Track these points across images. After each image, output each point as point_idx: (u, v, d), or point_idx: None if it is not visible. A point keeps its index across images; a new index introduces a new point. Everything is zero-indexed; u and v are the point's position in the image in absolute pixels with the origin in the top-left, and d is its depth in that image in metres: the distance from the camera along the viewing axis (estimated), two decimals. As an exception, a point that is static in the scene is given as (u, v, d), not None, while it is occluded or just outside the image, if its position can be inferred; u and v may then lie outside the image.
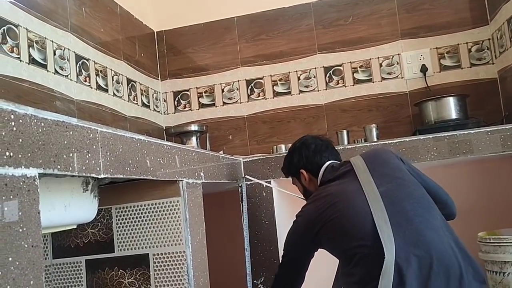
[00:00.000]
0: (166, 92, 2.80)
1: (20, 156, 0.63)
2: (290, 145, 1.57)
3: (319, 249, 1.32)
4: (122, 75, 2.34)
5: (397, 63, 2.52)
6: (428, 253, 1.07)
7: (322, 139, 1.50)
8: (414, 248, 1.07)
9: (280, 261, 1.37)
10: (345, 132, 2.33)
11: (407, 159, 1.38)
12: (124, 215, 1.26)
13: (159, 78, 2.79)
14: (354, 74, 2.57)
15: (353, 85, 2.57)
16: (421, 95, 2.42)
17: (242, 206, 1.90)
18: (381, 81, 2.54)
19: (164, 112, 2.79)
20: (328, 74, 2.60)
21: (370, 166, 1.26)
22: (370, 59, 2.56)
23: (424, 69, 2.46)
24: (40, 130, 0.68)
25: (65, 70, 1.87)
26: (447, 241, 1.11)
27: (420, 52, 2.49)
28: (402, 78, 2.51)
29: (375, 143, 1.86)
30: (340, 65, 2.59)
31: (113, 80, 2.25)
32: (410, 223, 1.12)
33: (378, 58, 2.54)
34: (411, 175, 1.27)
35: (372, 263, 1.08)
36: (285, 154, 1.54)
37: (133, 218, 1.25)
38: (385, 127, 2.44)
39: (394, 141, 1.81)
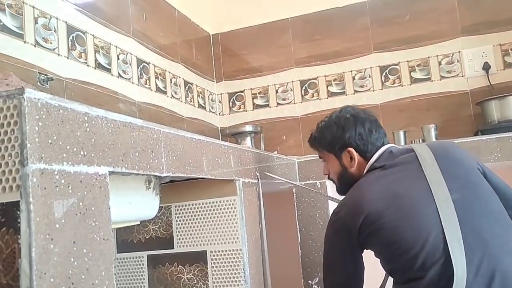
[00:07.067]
0: (221, 94, 2.86)
1: (92, 155, 0.68)
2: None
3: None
4: (179, 77, 2.41)
5: (458, 61, 2.43)
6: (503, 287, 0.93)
7: (370, 115, 1.26)
8: (488, 281, 0.93)
9: (323, 279, 1.18)
10: (401, 132, 2.27)
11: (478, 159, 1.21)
12: (183, 213, 1.31)
13: (215, 80, 2.85)
14: (411, 73, 2.50)
15: (410, 85, 2.50)
16: (484, 93, 2.32)
17: (296, 206, 1.91)
18: (440, 80, 2.46)
19: (219, 113, 2.85)
20: (384, 74, 2.55)
21: (440, 162, 1.05)
22: (429, 57, 2.48)
23: (486, 67, 2.36)
24: (110, 130, 0.73)
25: (128, 74, 1.96)
26: None
27: (482, 49, 2.39)
28: (462, 76, 2.42)
29: (434, 144, 1.80)
30: (396, 64, 2.53)
31: (171, 82, 2.32)
32: (486, 246, 0.96)
33: (437, 56, 2.47)
34: (485, 179, 1.08)
35: None
36: (324, 124, 1.31)
37: (191, 215, 1.30)
38: (444, 127, 2.36)
39: (455, 142, 1.75)
